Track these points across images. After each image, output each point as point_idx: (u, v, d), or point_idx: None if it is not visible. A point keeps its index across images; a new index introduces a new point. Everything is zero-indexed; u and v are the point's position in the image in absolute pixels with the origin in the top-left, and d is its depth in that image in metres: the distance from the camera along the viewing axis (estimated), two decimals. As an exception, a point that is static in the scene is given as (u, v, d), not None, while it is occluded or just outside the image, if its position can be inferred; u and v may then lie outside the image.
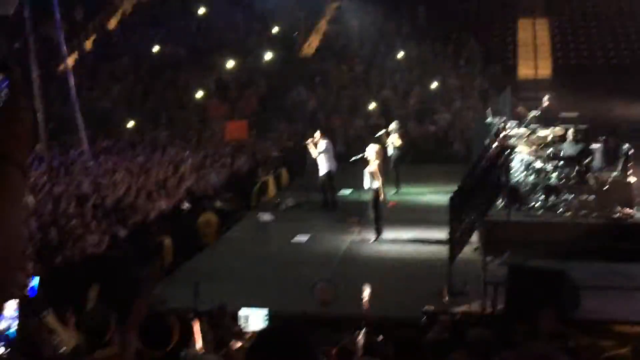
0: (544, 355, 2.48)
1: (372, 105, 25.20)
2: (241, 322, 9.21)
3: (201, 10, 30.69)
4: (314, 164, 17.28)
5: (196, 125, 24.71)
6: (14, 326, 6.62)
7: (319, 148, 16.97)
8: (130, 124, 24.40)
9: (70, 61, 28.22)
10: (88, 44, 29.90)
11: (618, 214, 13.57)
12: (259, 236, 15.63)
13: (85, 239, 13.36)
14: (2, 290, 1.52)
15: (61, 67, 27.62)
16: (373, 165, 14.61)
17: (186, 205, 16.46)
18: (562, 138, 14.69)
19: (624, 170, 14.49)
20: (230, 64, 27.42)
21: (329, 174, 17.05)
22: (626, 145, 14.69)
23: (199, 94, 26.12)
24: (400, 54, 27.58)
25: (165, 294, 10.65)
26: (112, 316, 4.66)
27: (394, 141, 18.62)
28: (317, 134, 17.32)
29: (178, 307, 8.72)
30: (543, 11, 28.27)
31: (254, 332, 8.32)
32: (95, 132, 22.95)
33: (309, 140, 17.26)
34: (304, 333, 2.88)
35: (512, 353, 2.57)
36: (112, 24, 31.30)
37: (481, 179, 13.17)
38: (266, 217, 16.91)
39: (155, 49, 28.71)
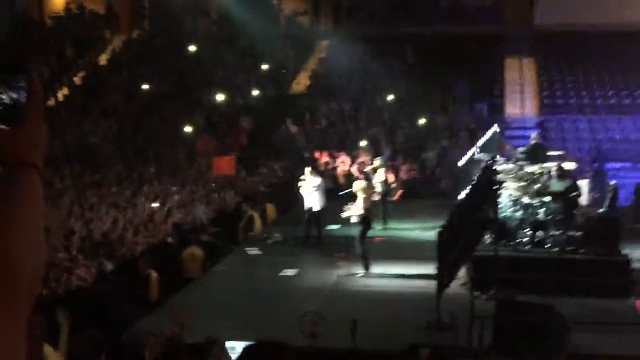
0: None
1: (361, 142, 25.31)
2: (229, 355, 9.14)
3: (191, 48, 30.87)
4: (302, 199, 17.35)
5: (184, 161, 24.75)
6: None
7: (311, 184, 17.04)
8: (119, 159, 24.45)
9: (60, 96, 28.38)
10: (78, 80, 29.98)
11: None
12: (247, 270, 15.62)
13: (73, 272, 13.31)
14: (33, 287, 1.53)
15: (51, 101, 27.77)
16: (360, 200, 14.70)
17: (172, 239, 16.43)
18: (549, 174, 14.78)
19: (611, 206, 14.58)
20: (219, 99, 27.54)
21: (318, 210, 17.11)
22: (613, 182, 14.80)
23: (188, 130, 26.19)
24: (389, 93, 27.78)
25: (152, 328, 10.58)
26: (104, 342, 4.66)
27: (381, 176, 18.75)
28: (307, 171, 17.40)
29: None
30: (529, 51, 28.58)
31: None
32: (83, 166, 22.97)
33: (302, 178, 17.41)
34: (290, 353, 2.89)
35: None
36: (103, 60, 31.43)
37: (469, 215, 13.22)
38: (254, 251, 16.92)
39: (145, 85, 28.81)
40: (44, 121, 1.65)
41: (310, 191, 17.10)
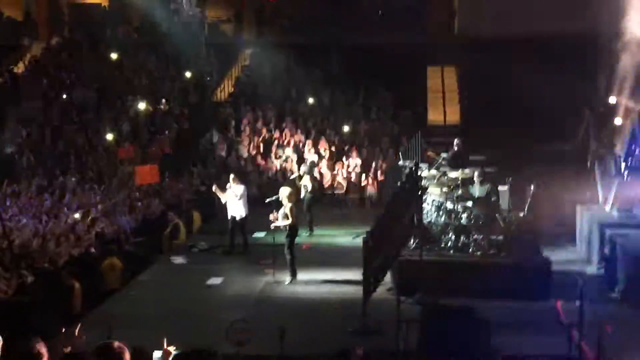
0: None
1: (285, 150, 25.34)
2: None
3: (113, 55, 30.43)
4: (224, 207, 17.26)
5: (106, 169, 24.35)
6: None
7: (235, 192, 16.94)
8: (39, 168, 23.93)
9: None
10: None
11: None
12: (172, 279, 15.50)
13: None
14: None
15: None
16: (287, 207, 14.74)
17: (94, 250, 16.17)
18: (471, 180, 15.07)
19: (530, 210, 14.93)
20: (141, 107, 27.21)
21: (243, 219, 17.04)
22: (532, 187, 15.15)
23: (110, 138, 25.80)
24: (312, 100, 27.90)
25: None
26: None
27: (306, 184, 18.82)
28: (231, 179, 17.33)
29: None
30: (450, 59, 29.03)
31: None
32: (1, 176, 22.39)
33: (215, 187, 17.31)
34: (215, 356, 2.90)
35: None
36: (20, 67, 30.71)
37: (394, 220, 13.37)
38: (179, 260, 16.77)
39: (65, 93, 28.26)
40: None
41: (234, 199, 16.99)
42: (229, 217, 17.10)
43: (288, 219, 14.67)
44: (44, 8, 32.77)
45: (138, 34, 32.29)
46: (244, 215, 17.03)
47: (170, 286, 14.98)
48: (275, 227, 14.84)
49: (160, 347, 9.75)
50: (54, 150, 25.62)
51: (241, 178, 17.91)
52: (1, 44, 31.34)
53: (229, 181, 17.35)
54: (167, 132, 26.62)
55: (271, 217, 14.89)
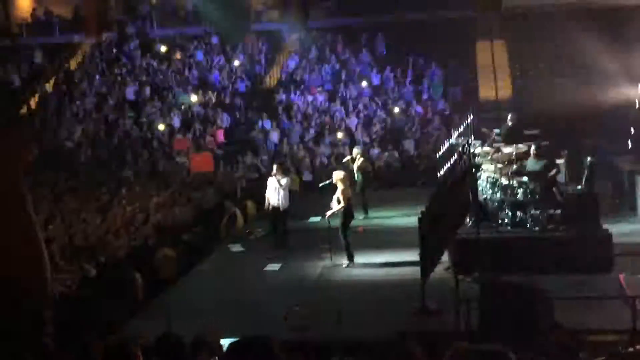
0: (497, 351, 2.51)
1: (337, 134, 25.34)
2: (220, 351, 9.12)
3: (162, 48, 30.73)
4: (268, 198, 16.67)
5: (161, 161, 24.65)
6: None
7: (277, 183, 16.33)
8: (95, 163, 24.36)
9: (32, 103, 28.18)
10: (49, 86, 29.75)
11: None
12: (231, 267, 15.62)
13: (55, 279, 13.21)
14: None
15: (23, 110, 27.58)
16: (340, 191, 14.71)
17: (152, 241, 16.38)
18: (526, 155, 14.86)
19: (588, 183, 14.68)
20: (193, 99, 27.48)
21: (285, 210, 16.42)
22: (589, 158, 14.90)
23: (163, 129, 26.09)
24: (363, 82, 27.80)
25: (140, 330, 10.55)
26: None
27: (359, 166, 18.74)
28: (275, 169, 16.73)
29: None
30: (500, 33, 28.65)
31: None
32: (60, 172, 22.83)
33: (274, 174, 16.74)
34: (276, 345, 2.90)
35: (467, 346, 2.60)
36: (73, 64, 31.19)
37: (449, 199, 13.27)
38: (236, 248, 16.89)
39: (117, 88, 28.66)
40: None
41: (278, 189, 16.43)
42: (270, 208, 16.51)
43: (340, 202, 14.64)
44: (93, 4, 33.16)
45: (185, 26, 32.49)
46: (286, 206, 16.43)
47: (229, 274, 15.11)
48: (331, 215, 14.80)
49: (222, 336, 9.88)
50: (110, 145, 26.02)
51: (285, 169, 17.30)
52: (53, 42, 31.89)
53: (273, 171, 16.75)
54: (218, 121, 26.81)
55: (328, 213, 14.78)
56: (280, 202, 16.33)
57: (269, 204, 16.47)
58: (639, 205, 17.11)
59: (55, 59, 31.17)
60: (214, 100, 27.97)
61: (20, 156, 1.54)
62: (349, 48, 29.70)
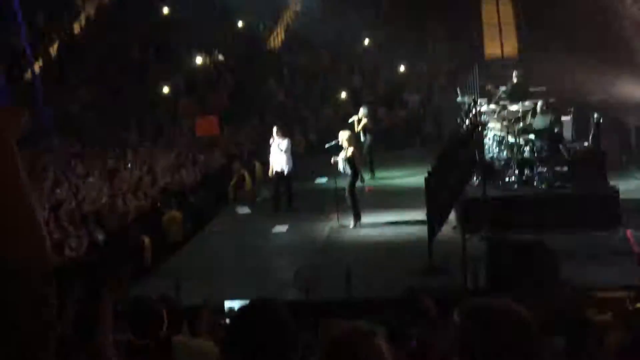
0: (510, 307, 2.51)
1: (341, 94, 25.24)
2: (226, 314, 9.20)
3: (165, 10, 30.51)
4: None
5: (167, 124, 24.62)
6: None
7: (279, 146, 16.13)
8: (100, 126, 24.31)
9: (37, 67, 28.03)
10: (53, 50, 29.61)
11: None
12: (239, 229, 15.66)
13: (64, 243, 13.29)
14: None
15: (28, 74, 27.45)
16: (347, 151, 14.69)
17: (160, 204, 16.43)
18: (532, 112, 14.79)
19: (595, 139, 14.63)
20: (197, 60, 27.34)
21: (289, 173, 16.26)
22: (595, 115, 14.82)
23: (167, 92, 26.01)
24: (366, 41, 27.62)
25: (150, 293, 10.60)
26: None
27: (365, 126, 18.62)
28: (274, 131, 16.46)
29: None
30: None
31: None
32: (66, 137, 22.82)
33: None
34: (283, 309, 2.91)
35: (477, 302, 2.59)
36: (76, 28, 31.00)
37: (455, 158, 13.24)
38: (244, 210, 16.92)
39: (121, 50, 28.52)
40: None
41: (279, 153, 16.18)
42: (273, 172, 16.36)
43: (346, 163, 14.61)
44: (94, -33, 32.84)
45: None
46: (289, 169, 16.25)
47: (237, 236, 15.16)
48: (336, 162, 14.72)
49: (230, 297, 9.94)
50: (114, 108, 25.95)
51: (285, 131, 17.15)
52: (55, 5, 31.62)
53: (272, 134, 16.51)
54: (223, 83, 26.71)
55: (332, 160, 14.83)
56: (283, 165, 16.18)
57: (272, 168, 16.38)
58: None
59: (58, 23, 30.96)
60: (218, 60, 27.83)
61: (7, 126, 1.52)
62: (353, 6, 29.41)
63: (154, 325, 4.41)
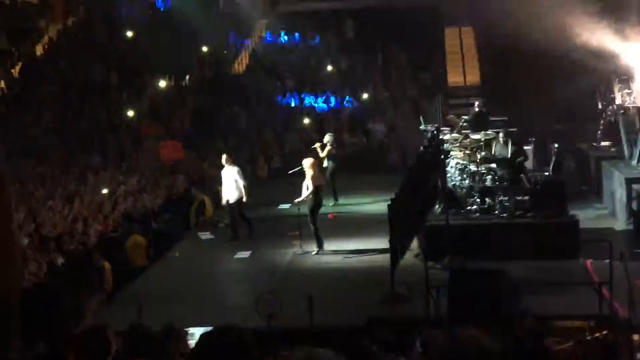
0: (471, 336, 2.53)
1: (305, 120, 25.32)
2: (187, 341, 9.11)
3: (129, 33, 30.43)
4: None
5: (129, 148, 24.46)
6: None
7: (227, 174, 16.04)
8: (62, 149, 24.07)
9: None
10: (14, 72, 29.31)
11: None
12: (201, 255, 15.57)
13: (23, 267, 13.08)
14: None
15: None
16: (310, 177, 14.72)
17: (121, 229, 16.28)
18: (494, 141, 14.96)
19: (555, 169, 14.82)
20: (161, 84, 27.25)
21: (238, 201, 15.99)
22: (556, 145, 15.03)
23: (131, 115, 25.87)
24: (330, 68, 27.79)
25: (108, 318, 10.49)
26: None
27: (329, 152, 18.64)
28: (224, 159, 16.32)
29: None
30: (467, 19, 28.67)
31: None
32: (26, 159, 22.54)
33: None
34: (247, 335, 2.90)
35: (439, 332, 2.62)
36: (39, 49, 30.76)
37: (418, 186, 13.32)
38: (206, 235, 16.82)
39: (84, 72, 28.33)
40: None
41: (227, 181, 16.07)
42: (224, 202, 16.26)
43: (309, 189, 14.67)
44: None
45: (153, 10, 32.20)
46: (239, 198, 15.97)
47: (199, 261, 15.06)
48: (300, 201, 14.83)
49: (192, 324, 9.85)
50: (76, 131, 25.73)
51: (233, 159, 16.97)
52: (18, 27, 31.34)
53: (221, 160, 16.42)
54: (187, 107, 26.64)
55: (297, 200, 14.89)
56: (231, 194, 16.01)
57: (223, 196, 16.25)
58: (604, 191, 17.33)
59: (20, 45, 30.69)
60: (182, 85, 27.78)
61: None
62: (318, 33, 29.63)
63: (101, 350, 4.33)
